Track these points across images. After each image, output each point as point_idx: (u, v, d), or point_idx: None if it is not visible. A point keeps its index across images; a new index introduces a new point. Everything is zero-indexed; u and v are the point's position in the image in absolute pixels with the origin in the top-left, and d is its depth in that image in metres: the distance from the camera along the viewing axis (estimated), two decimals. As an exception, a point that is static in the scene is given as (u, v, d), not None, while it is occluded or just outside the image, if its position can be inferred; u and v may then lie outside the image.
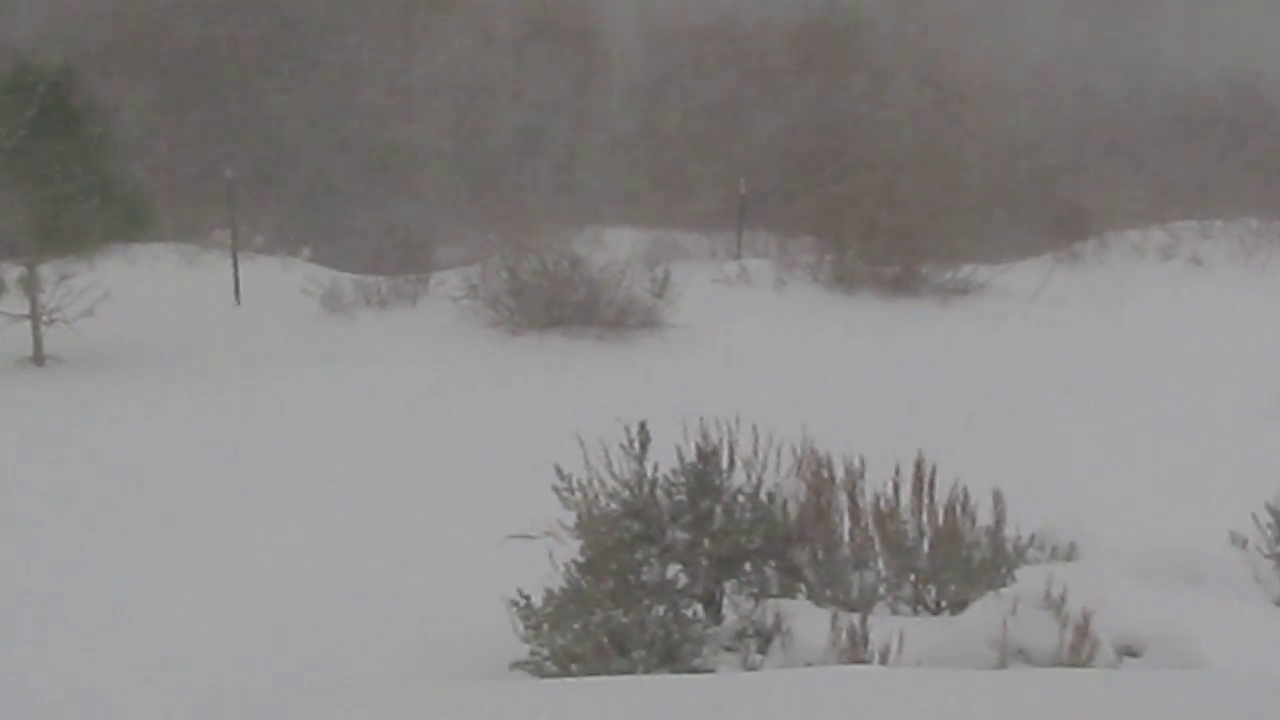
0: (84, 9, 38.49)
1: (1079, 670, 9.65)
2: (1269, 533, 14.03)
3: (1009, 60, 40.92)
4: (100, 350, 24.29)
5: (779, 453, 12.81)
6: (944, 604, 11.93)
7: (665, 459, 12.39)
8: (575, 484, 12.56)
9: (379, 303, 28.07)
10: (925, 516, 12.06)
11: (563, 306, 26.10)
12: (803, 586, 12.17)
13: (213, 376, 23.32)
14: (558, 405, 20.81)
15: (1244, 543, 14.05)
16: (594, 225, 33.30)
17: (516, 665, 11.66)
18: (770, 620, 11.42)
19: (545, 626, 11.60)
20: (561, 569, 11.94)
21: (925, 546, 12.02)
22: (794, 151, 37.23)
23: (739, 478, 12.53)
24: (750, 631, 11.58)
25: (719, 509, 12.17)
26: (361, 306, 27.93)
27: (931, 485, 12.06)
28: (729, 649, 11.52)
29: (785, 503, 12.43)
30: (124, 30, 38.27)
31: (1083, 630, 10.24)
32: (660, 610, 11.40)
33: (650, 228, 33.50)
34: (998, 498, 12.03)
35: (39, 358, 24.16)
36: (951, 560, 11.91)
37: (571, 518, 12.42)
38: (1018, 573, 11.95)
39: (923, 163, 31.85)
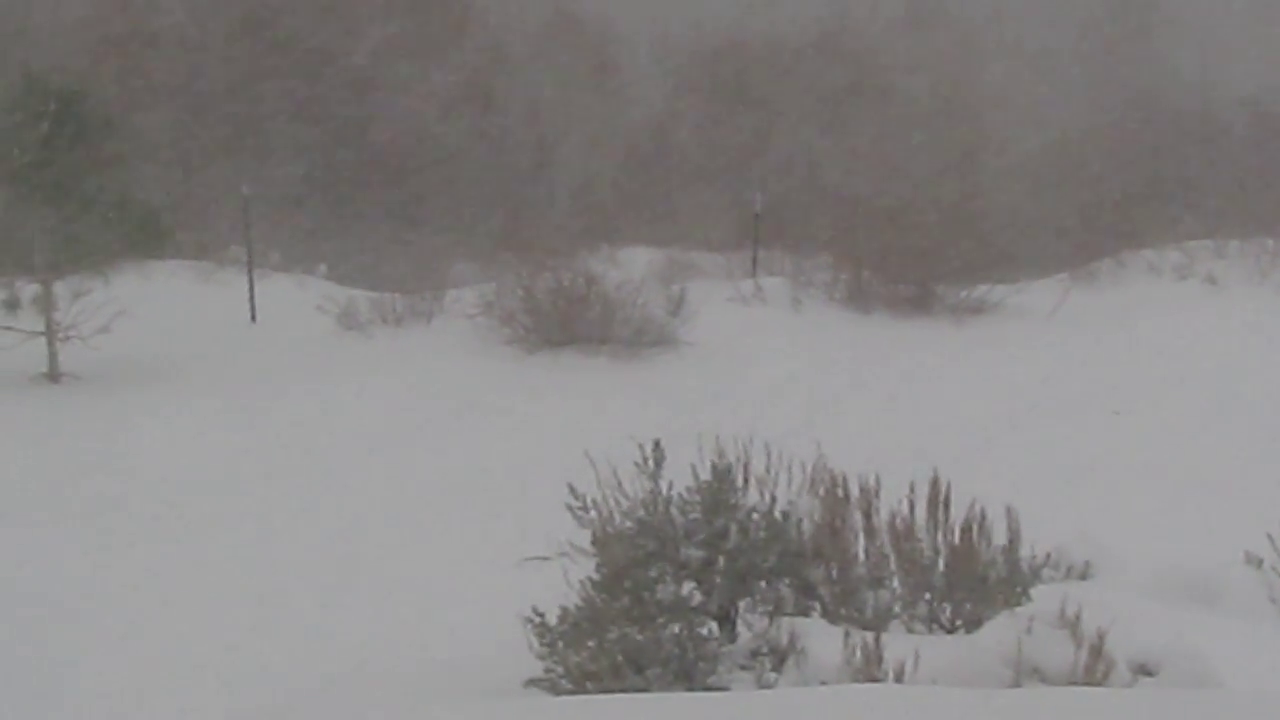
0: (100, 27, 38.60)
1: (1094, 689, 9.63)
2: (1284, 553, 14.01)
3: (1024, 79, 40.96)
4: (116, 367, 24.30)
5: (794, 470, 12.81)
6: (959, 623, 11.91)
7: (680, 477, 12.39)
8: (590, 502, 12.56)
9: (394, 320, 28.07)
10: (941, 535, 12.04)
11: (578, 324, 26.09)
12: (817, 605, 12.15)
13: (229, 394, 23.34)
14: (573, 423, 20.81)
15: (1259, 562, 14.00)
16: (609, 244, 33.31)
17: (531, 683, 11.65)
18: (785, 638, 11.40)
19: (560, 644, 11.59)
20: (577, 587, 11.93)
21: (941, 565, 12.00)
22: (809, 171, 37.27)
23: (754, 496, 12.52)
24: (765, 650, 11.56)
25: (734, 527, 12.15)
26: (377, 324, 27.93)
27: (947, 504, 12.04)
28: (744, 667, 11.49)
29: (800, 521, 12.41)
30: (140, 48, 38.37)
31: (1097, 649, 10.23)
32: (675, 628, 11.38)
33: (665, 246, 33.52)
34: (1013, 516, 12.01)
35: (54, 374, 24.19)
36: (967, 579, 11.89)
37: (586, 536, 12.42)
38: (1033, 591, 11.93)
39: (938, 181, 31.84)
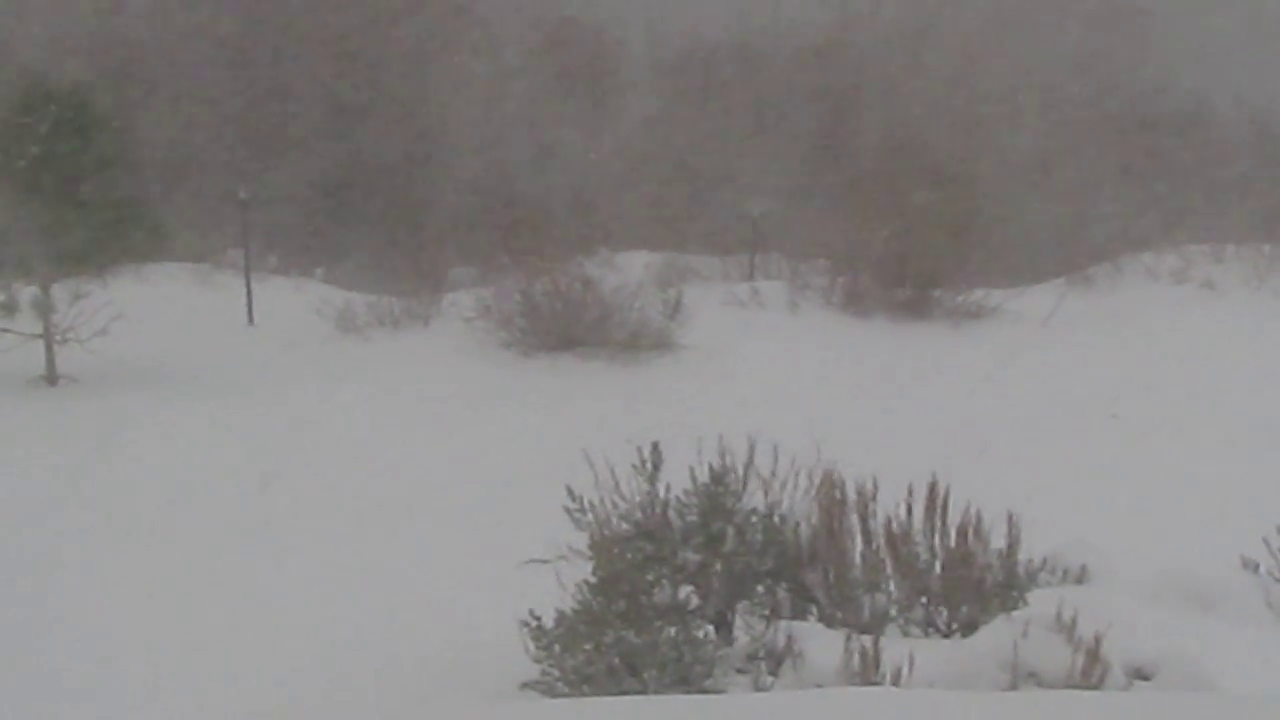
0: (100, 30, 38.62)
1: (1090, 693, 9.64)
2: (1280, 557, 14.02)
3: (1022, 83, 41.00)
4: (113, 370, 24.30)
5: (792, 474, 12.83)
6: (955, 626, 11.93)
7: (678, 480, 12.41)
8: (587, 505, 12.58)
9: (392, 323, 28.08)
10: (937, 539, 12.07)
11: (575, 328, 26.11)
12: (814, 608, 12.18)
13: (226, 396, 23.35)
14: (570, 426, 20.80)
15: (1255, 567, 14.01)
16: (606, 247, 33.34)
17: (527, 686, 11.65)
18: (782, 642, 11.42)
19: (557, 647, 11.60)
20: (573, 590, 11.94)
21: (937, 569, 12.03)
22: (807, 174, 37.30)
23: (751, 499, 12.54)
24: (762, 653, 11.58)
25: (731, 530, 12.18)
26: (374, 327, 27.95)
27: (944, 508, 12.06)
28: (740, 670, 11.51)
29: (797, 524, 12.44)
30: (139, 52, 38.40)
31: (1094, 653, 10.24)
32: (672, 631, 11.39)
33: (662, 250, 33.55)
34: (1011, 521, 12.03)
35: (52, 377, 24.19)
36: (963, 583, 11.92)
37: (583, 539, 12.43)
38: (1029, 596, 11.95)
39: (936, 185, 31.86)
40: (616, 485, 12.73)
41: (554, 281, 26.72)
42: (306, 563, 16.64)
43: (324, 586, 15.82)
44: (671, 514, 12.32)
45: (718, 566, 12.13)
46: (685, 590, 12.01)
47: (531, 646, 11.73)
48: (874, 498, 12.32)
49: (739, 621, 12.31)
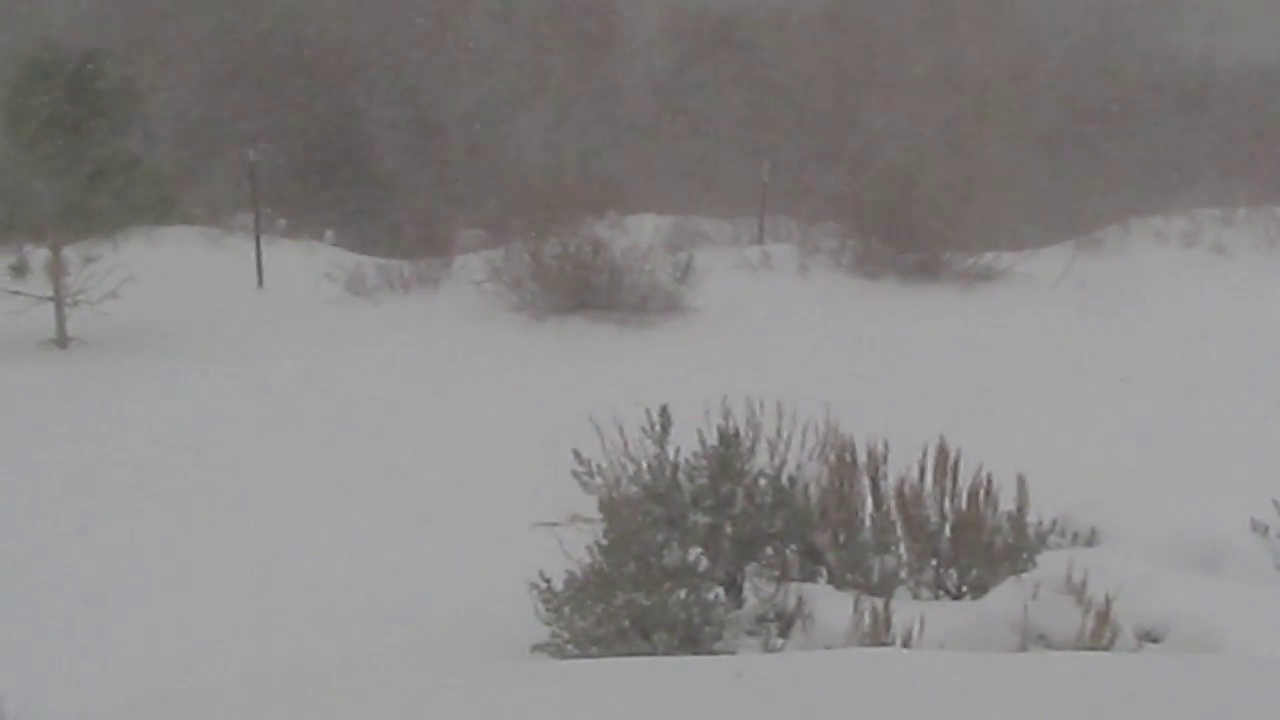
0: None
1: (1099, 655, 9.65)
2: (1289, 520, 14.03)
3: (1031, 46, 40.87)
4: (124, 332, 24.33)
5: (802, 435, 12.84)
6: (965, 589, 11.95)
7: (687, 442, 12.41)
8: (596, 468, 12.59)
9: (402, 287, 28.08)
10: (948, 501, 12.07)
11: (585, 290, 26.10)
12: (824, 570, 12.19)
13: (236, 359, 23.37)
14: (580, 389, 20.78)
15: (1265, 530, 14.03)
16: (616, 210, 33.28)
17: (538, 648, 11.66)
18: (792, 604, 11.43)
19: (566, 609, 11.61)
20: (583, 552, 11.95)
21: (947, 531, 12.04)
22: (816, 137, 37.22)
23: (760, 461, 12.54)
24: (771, 615, 11.59)
25: (740, 492, 12.18)
26: (384, 290, 27.94)
27: (954, 470, 12.06)
28: (750, 632, 11.52)
29: (807, 486, 12.44)
30: (151, 16, 38.32)
31: (1104, 615, 10.24)
32: (681, 593, 11.38)
33: (672, 213, 33.49)
34: (1021, 483, 12.03)
35: (62, 339, 24.22)
36: (973, 545, 11.93)
37: (592, 502, 12.44)
38: (1039, 558, 11.95)
39: (946, 148, 31.81)
40: (626, 448, 12.74)
41: (564, 244, 26.71)
42: (313, 522, 16.68)
43: (331, 547, 15.85)
44: (681, 476, 12.31)
45: (727, 529, 12.13)
46: (695, 552, 12.00)
47: (542, 609, 11.74)
48: (885, 460, 12.32)
49: (749, 583, 12.31)
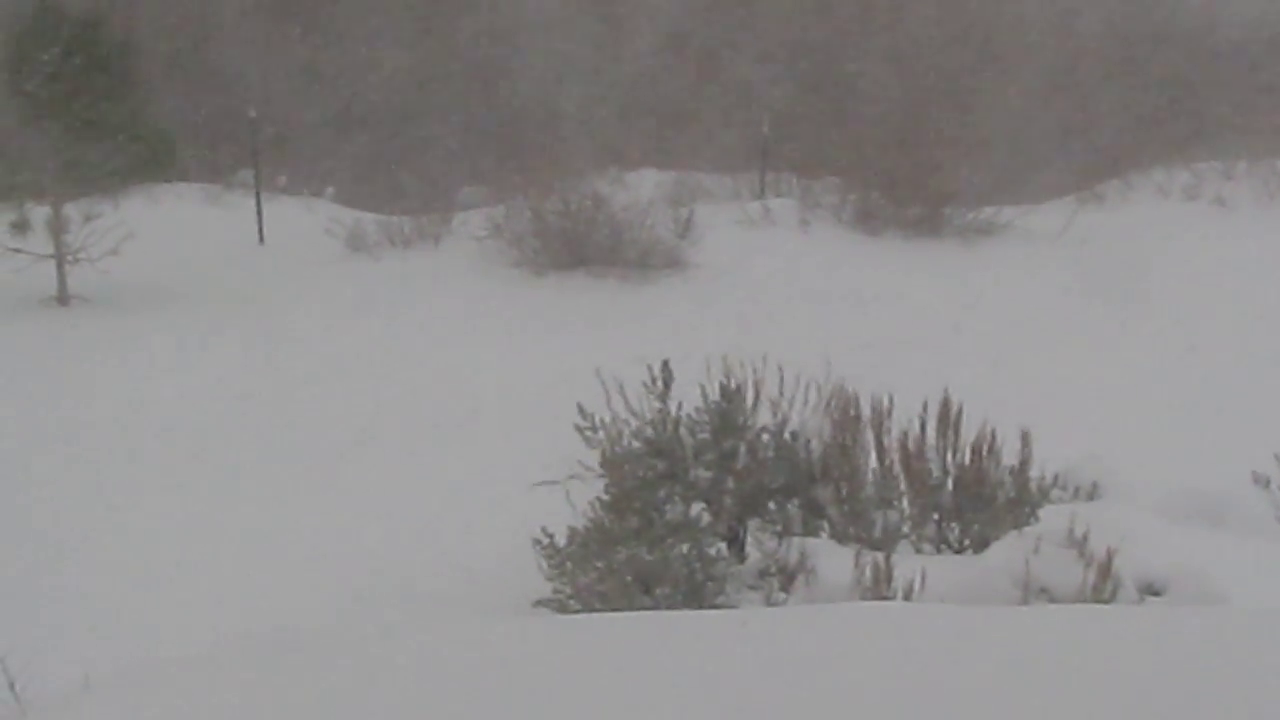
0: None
1: (1101, 607, 9.67)
2: (1291, 473, 14.04)
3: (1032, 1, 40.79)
4: (124, 290, 24.33)
5: (805, 390, 12.85)
6: (967, 543, 11.97)
7: (689, 398, 12.43)
8: (599, 423, 12.61)
9: (402, 243, 28.05)
10: (950, 456, 12.08)
11: (586, 246, 26.07)
12: (826, 525, 12.21)
13: (237, 316, 23.39)
14: (582, 344, 20.82)
15: (1267, 482, 14.03)
16: (616, 166, 33.24)
17: (540, 603, 11.70)
18: (794, 558, 11.45)
19: (569, 565, 11.65)
20: (585, 508, 11.98)
21: (949, 486, 12.05)
22: (818, 91, 37.17)
23: (763, 416, 12.56)
24: (774, 569, 11.61)
25: (743, 447, 12.21)
26: (385, 247, 27.91)
27: (957, 424, 12.08)
28: (752, 587, 11.55)
29: (809, 441, 12.46)
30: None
31: (1105, 569, 10.26)
32: (684, 548, 11.42)
33: (673, 169, 33.45)
34: (1025, 437, 12.05)
35: (63, 297, 24.22)
36: (975, 499, 11.94)
37: (595, 457, 12.47)
38: (1041, 512, 11.97)
39: (947, 102, 31.75)
40: (628, 403, 12.76)
41: (564, 200, 26.67)
42: (314, 478, 16.72)
43: (332, 503, 15.89)
44: (683, 432, 12.35)
45: (729, 484, 12.16)
46: (697, 507, 12.05)
47: (544, 565, 11.78)
48: (889, 414, 12.33)
49: (751, 538, 12.35)
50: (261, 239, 29.09)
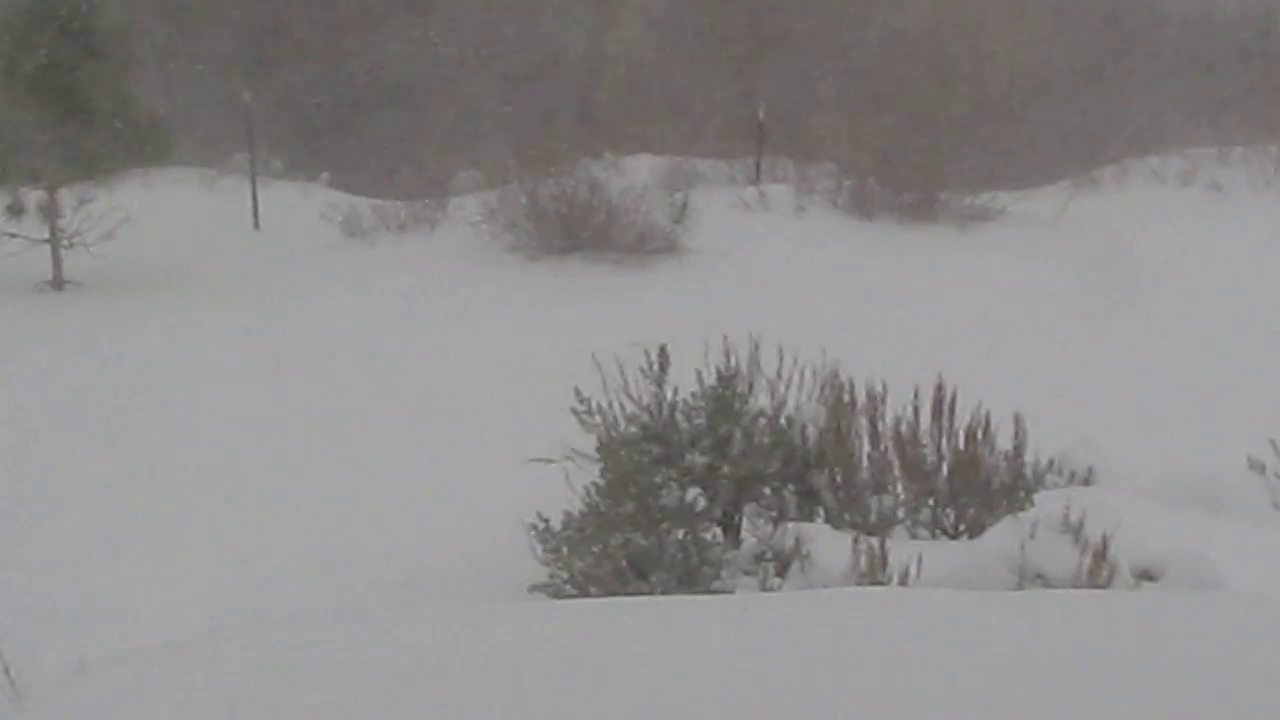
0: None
1: (1097, 593, 9.67)
2: (1287, 459, 14.04)
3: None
4: (120, 274, 24.33)
5: (801, 375, 12.85)
6: (962, 528, 11.97)
7: (685, 383, 12.42)
8: (594, 407, 12.60)
9: (397, 228, 28.06)
10: (945, 441, 12.09)
11: (581, 231, 26.07)
12: (821, 510, 12.21)
13: (233, 300, 23.38)
14: (577, 329, 20.80)
15: (1262, 468, 14.04)
16: (611, 151, 33.21)
17: (535, 588, 11.69)
18: (789, 543, 11.45)
19: (564, 549, 11.64)
20: (580, 492, 11.97)
21: (944, 471, 12.06)
22: (812, 76, 37.11)
23: (758, 402, 12.56)
24: (769, 555, 11.62)
25: (738, 433, 12.20)
26: (380, 231, 27.93)
27: (952, 410, 12.08)
28: (748, 572, 11.55)
29: (804, 427, 12.46)
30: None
31: (1100, 554, 10.27)
32: (679, 533, 11.42)
33: (668, 154, 33.42)
34: (1019, 422, 12.05)
35: (58, 282, 24.21)
36: (971, 484, 11.95)
37: (590, 441, 12.46)
38: (1036, 497, 11.99)
39: (941, 88, 31.71)
40: (625, 387, 12.75)
41: (560, 185, 26.66)
42: (309, 460, 16.71)
43: (327, 484, 15.88)
44: (679, 416, 12.35)
45: (725, 469, 12.16)
46: (693, 492, 12.03)
47: (539, 549, 11.77)
48: (883, 400, 12.34)
49: (746, 523, 12.35)
50: (257, 224, 29.09)
